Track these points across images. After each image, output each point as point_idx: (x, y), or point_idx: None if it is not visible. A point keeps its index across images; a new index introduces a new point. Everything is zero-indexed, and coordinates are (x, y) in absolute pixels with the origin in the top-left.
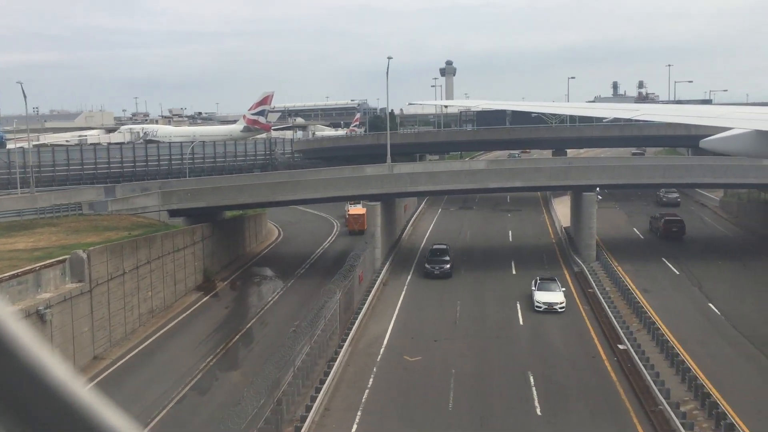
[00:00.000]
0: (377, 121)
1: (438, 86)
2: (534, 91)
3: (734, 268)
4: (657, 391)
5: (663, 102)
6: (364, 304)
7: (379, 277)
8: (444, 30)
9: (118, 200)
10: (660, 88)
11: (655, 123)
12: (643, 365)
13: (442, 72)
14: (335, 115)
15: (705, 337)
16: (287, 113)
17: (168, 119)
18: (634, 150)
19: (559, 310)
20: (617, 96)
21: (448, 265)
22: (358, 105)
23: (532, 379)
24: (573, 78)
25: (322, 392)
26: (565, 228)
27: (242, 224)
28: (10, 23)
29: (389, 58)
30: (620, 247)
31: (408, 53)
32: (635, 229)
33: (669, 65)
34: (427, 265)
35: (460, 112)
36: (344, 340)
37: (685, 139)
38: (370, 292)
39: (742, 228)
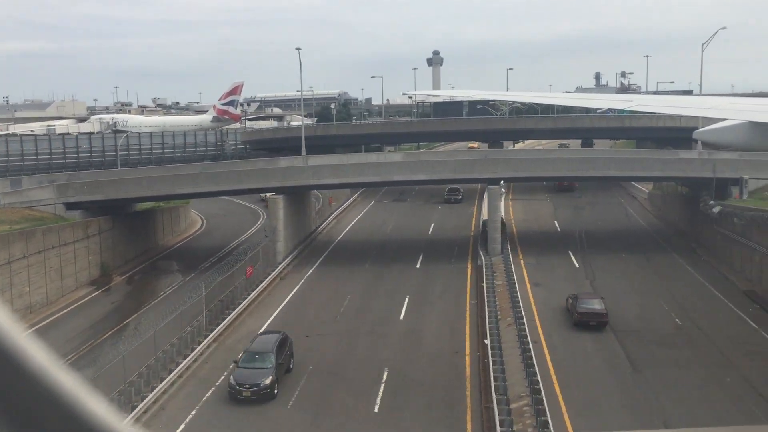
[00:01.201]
0: (326, 111)
1: (419, 76)
2: (521, 82)
3: (637, 261)
4: (493, 387)
5: (644, 93)
6: (247, 298)
7: (274, 271)
8: (438, 20)
9: (11, 193)
10: (639, 79)
11: (590, 115)
12: (493, 361)
13: (429, 62)
14: (315, 105)
15: (573, 332)
16: (263, 103)
17: (142, 109)
18: (561, 142)
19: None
20: (599, 86)
21: None
22: (338, 95)
23: (385, 375)
24: (557, 69)
25: (157, 390)
26: (484, 221)
27: (153, 216)
28: None
29: (299, 48)
30: (533, 240)
31: (403, 43)
32: (555, 222)
33: (647, 56)
34: None
35: (417, 103)
36: (206, 337)
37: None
38: (258, 286)
39: (663, 221)
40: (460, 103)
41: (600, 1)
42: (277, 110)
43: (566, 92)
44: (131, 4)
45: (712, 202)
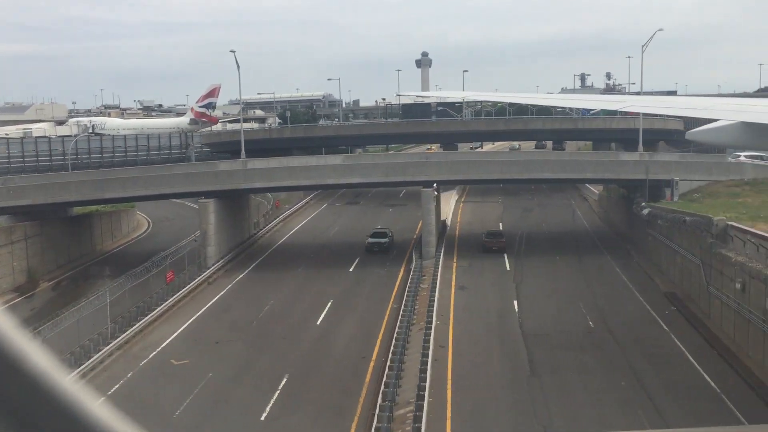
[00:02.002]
0: (294, 114)
1: (410, 78)
2: (510, 83)
3: (569, 264)
4: (381, 393)
5: (628, 94)
6: (162, 305)
7: (201, 276)
8: (429, 22)
9: None
10: (623, 80)
11: (542, 117)
12: (389, 366)
13: (418, 63)
14: (300, 107)
15: (483, 336)
16: (246, 105)
17: (122, 111)
18: (513, 144)
19: None
20: (585, 87)
21: None
22: (323, 97)
23: (283, 382)
24: (544, 69)
25: None
26: None
27: (90, 221)
28: None
29: (233, 51)
30: (473, 242)
31: (394, 44)
32: (500, 224)
33: (629, 57)
34: None
35: (385, 105)
36: (108, 344)
37: (576, 133)
38: (179, 291)
39: (606, 223)
40: (428, 105)
41: (586, 3)
42: (259, 112)
43: (548, 93)
44: (119, 6)
45: (643, 204)
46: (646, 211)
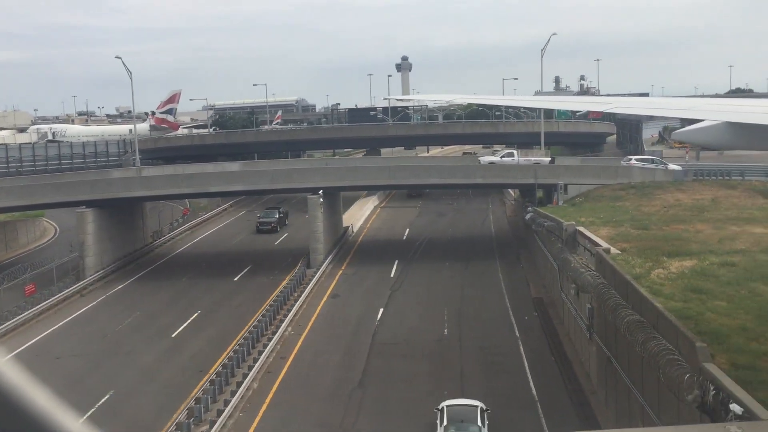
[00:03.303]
0: (225, 119)
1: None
2: (487, 86)
3: (456, 269)
4: (187, 410)
5: (602, 95)
6: (17, 317)
7: (73, 287)
8: (411, 26)
9: None
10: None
11: (461, 122)
12: (210, 380)
13: (398, 68)
14: (274, 113)
15: (330, 347)
16: (216, 111)
17: (86, 118)
18: (466, 149)
19: None
20: (559, 90)
21: None
22: (296, 102)
23: (104, 400)
24: (516, 78)
25: None
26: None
27: None
28: None
29: (119, 57)
30: (371, 249)
31: (379, 49)
32: (407, 230)
33: (597, 59)
34: None
35: (332, 110)
36: None
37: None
38: (40, 304)
39: (512, 228)
40: (373, 109)
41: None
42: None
43: (522, 96)
44: (103, 12)
45: (529, 208)
46: (528, 216)
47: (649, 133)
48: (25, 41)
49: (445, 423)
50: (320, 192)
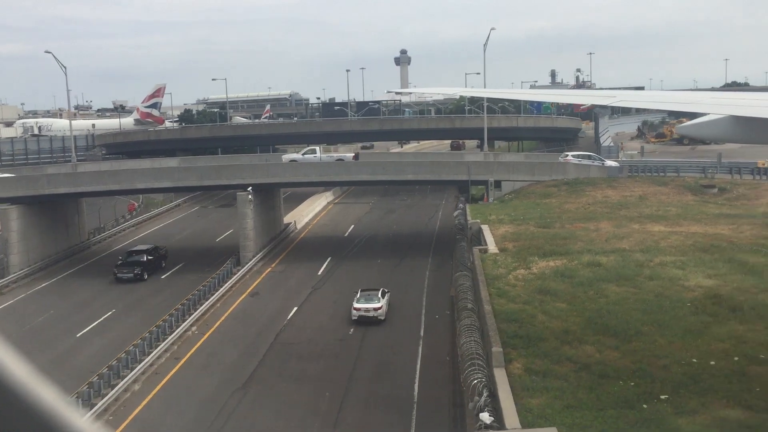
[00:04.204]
0: (188, 114)
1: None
2: (493, 79)
3: (386, 267)
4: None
5: (598, 89)
6: None
7: None
8: (412, 19)
9: None
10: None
11: (417, 117)
12: (89, 383)
13: (397, 61)
14: (274, 107)
15: (229, 347)
16: (207, 105)
17: (75, 112)
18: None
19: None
20: (555, 84)
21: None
22: (290, 96)
23: None
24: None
25: None
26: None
27: None
28: None
29: (48, 51)
30: (309, 246)
31: (382, 42)
32: (352, 226)
33: (590, 53)
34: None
35: (306, 105)
36: None
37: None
38: None
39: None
40: (345, 104)
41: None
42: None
43: (515, 89)
44: (102, 5)
45: (461, 206)
46: (455, 213)
47: (628, 127)
48: (24, 34)
49: (358, 296)
50: (249, 189)
